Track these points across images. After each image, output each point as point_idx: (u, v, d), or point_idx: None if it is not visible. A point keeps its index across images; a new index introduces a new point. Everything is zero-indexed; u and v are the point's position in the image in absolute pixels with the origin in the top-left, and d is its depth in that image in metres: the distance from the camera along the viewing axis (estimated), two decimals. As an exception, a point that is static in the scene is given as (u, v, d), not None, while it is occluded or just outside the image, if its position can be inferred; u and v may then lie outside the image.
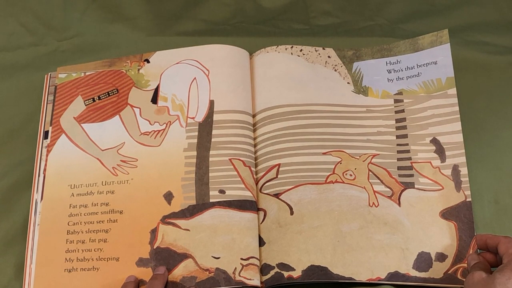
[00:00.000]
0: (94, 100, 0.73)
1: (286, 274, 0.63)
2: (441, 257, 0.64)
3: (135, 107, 0.73)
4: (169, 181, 0.68)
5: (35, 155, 0.72)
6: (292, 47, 0.75)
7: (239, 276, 0.63)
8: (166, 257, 0.65)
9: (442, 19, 0.80)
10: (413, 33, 0.75)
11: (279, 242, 0.65)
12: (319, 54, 0.75)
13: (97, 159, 0.70)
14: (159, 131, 0.71)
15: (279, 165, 0.69)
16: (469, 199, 0.66)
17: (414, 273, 0.63)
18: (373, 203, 0.67)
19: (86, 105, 0.73)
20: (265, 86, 0.73)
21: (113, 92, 0.74)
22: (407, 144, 0.70)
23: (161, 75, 0.74)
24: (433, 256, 0.64)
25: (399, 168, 0.69)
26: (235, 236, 0.65)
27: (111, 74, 0.75)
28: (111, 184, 0.68)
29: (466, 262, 0.63)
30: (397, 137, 0.70)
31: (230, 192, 0.67)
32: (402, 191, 0.67)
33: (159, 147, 0.70)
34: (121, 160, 0.70)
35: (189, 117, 0.71)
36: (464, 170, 0.67)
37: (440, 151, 0.69)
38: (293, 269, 0.64)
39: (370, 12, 0.82)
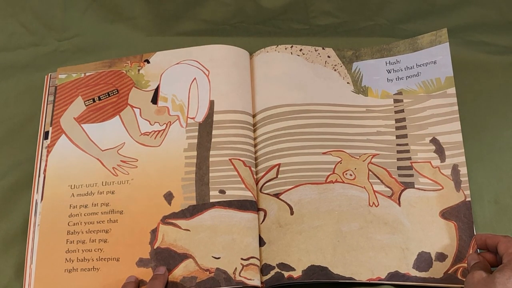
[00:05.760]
0: (94, 101, 0.73)
1: (286, 274, 0.64)
2: (441, 257, 0.64)
3: (135, 107, 0.73)
4: (169, 181, 0.68)
5: (35, 156, 0.72)
6: (292, 46, 0.75)
7: (240, 276, 0.63)
8: (166, 257, 0.65)
9: (442, 19, 0.80)
10: (413, 33, 0.75)
11: (279, 242, 0.65)
12: (319, 54, 0.75)
13: (97, 159, 0.70)
14: (159, 131, 0.71)
15: (279, 165, 0.69)
16: (468, 199, 0.66)
17: (414, 273, 0.63)
18: (373, 203, 0.67)
19: (86, 105, 0.73)
20: (265, 86, 0.73)
21: (113, 93, 0.74)
22: (407, 144, 0.70)
23: (161, 75, 0.74)
24: (433, 256, 0.64)
25: (399, 168, 0.69)
26: (235, 236, 0.65)
27: (111, 75, 0.75)
28: (111, 185, 0.69)
29: (466, 262, 0.63)
30: (397, 137, 0.70)
31: (230, 192, 0.67)
32: (402, 191, 0.67)
33: (159, 148, 0.70)
34: (121, 161, 0.70)
35: (189, 117, 0.71)
36: (463, 170, 0.67)
37: (439, 151, 0.69)
38: (293, 269, 0.64)
39: (370, 12, 0.82)
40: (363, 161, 0.69)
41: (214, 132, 0.70)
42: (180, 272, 0.64)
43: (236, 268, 0.63)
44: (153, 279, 0.62)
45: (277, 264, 0.64)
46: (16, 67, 0.80)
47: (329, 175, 0.68)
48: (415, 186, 0.68)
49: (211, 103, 0.71)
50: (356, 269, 0.63)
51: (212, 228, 0.65)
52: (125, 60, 0.76)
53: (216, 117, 0.71)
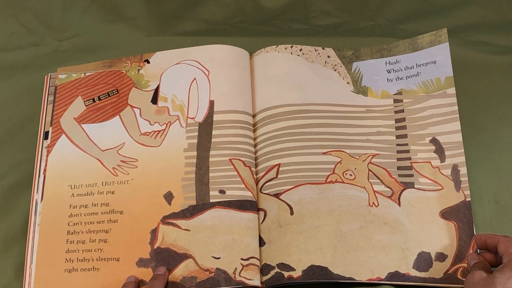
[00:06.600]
0: (94, 101, 0.74)
1: (286, 274, 0.64)
2: (441, 257, 0.64)
3: (135, 107, 0.73)
4: (169, 181, 0.68)
5: (35, 155, 0.72)
6: (292, 46, 0.75)
7: (240, 276, 0.63)
8: (166, 257, 0.65)
9: (442, 19, 0.80)
10: (413, 33, 0.75)
11: (279, 242, 0.65)
12: (319, 54, 0.75)
13: (97, 159, 0.70)
14: (159, 131, 0.71)
15: (279, 165, 0.69)
16: (468, 199, 0.66)
17: (414, 273, 0.63)
18: (373, 203, 0.67)
19: (86, 105, 0.73)
20: (265, 86, 0.73)
21: (113, 93, 0.74)
22: (406, 144, 0.70)
23: (161, 75, 0.74)
24: (433, 256, 0.64)
25: (399, 168, 0.69)
26: (235, 236, 0.65)
27: (111, 75, 0.75)
28: (111, 185, 0.69)
29: (466, 262, 0.63)
30: (397, 137, 0.70)
31: (230, 192, 0.67)
32: (402, 191, 0.67)
33: (159, 148, 0.70)
34: (121, 161, 0.70)
35: (189, 117, 0.71)
36: (463, 170, 0.67)
37: (439, 151, 0.69)
38: (293, 269, 0.64)
39: (370, 12, 0.82)
40: (363, 161, 0.69)
41: (214, 132, 0.70)
42: (180, 272, 0.64)
43: (236, 268, 0.63)
44: (153, 279, 0.62)
45: (277, 264, 0.64)
46: (16, 67, 0.80)
47: (329, 175, 0.68)
48: (415, 186, 0.68)
49: (211, 103, 0.71)
50: (356, 269, 0.63)
51: (212, 228, 0.65)
52: (125, 60, 0.76)
53: (216, 117, 0.71)
